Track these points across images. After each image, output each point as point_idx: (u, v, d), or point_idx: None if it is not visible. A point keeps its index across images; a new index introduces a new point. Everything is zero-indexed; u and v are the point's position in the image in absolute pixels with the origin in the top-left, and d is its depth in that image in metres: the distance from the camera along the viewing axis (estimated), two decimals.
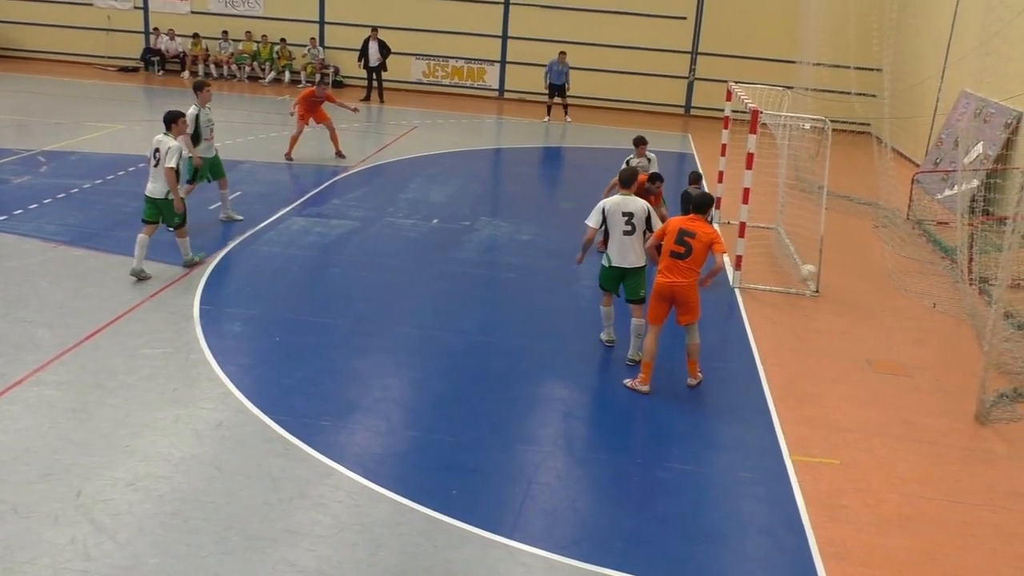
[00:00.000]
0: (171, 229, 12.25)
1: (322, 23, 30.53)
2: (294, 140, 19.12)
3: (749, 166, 12.97)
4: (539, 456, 8.32)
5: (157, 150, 11.87)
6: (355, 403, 9.07)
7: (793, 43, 23.83)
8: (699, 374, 9.97)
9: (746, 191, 13.11)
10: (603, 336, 10.92)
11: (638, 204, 10.17)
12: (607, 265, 10.38)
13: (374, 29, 27.88)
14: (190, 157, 13.74)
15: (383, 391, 9.37)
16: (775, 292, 13.19)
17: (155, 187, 11.95)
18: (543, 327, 11.38)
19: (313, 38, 30.26)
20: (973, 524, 7.78)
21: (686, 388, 9.87)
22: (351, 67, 29.41)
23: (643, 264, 10.32)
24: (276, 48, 30.28)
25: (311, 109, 18.99)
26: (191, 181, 14.14)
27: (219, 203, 14.67)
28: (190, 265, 12.42)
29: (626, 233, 10.10)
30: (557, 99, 26.63)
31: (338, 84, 30.16)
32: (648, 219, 10.13)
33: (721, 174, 17.02)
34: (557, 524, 7.34)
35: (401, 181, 18.33)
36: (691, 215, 9.77)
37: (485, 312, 11.91)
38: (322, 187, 17.08)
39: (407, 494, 7.53)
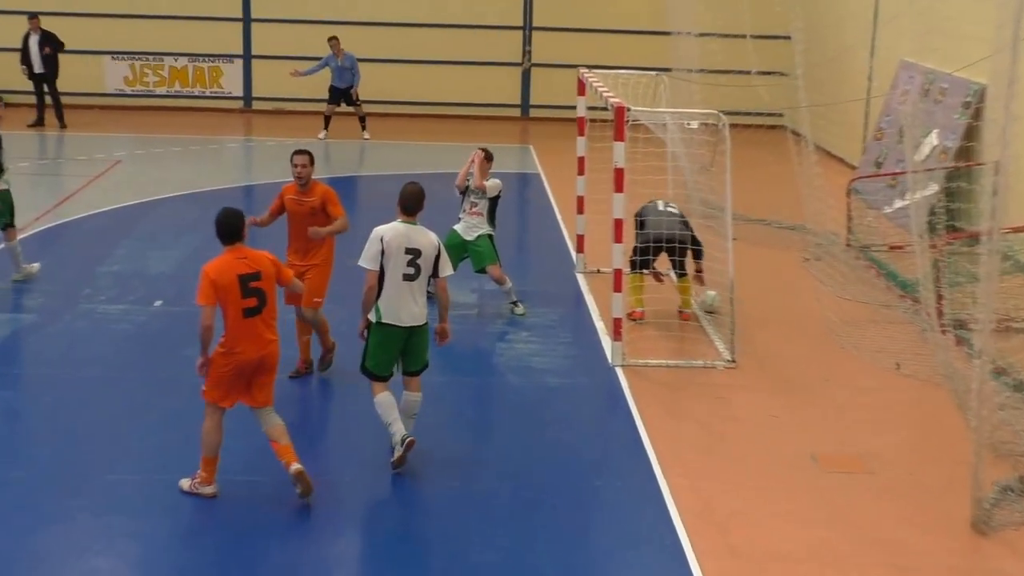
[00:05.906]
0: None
1: None
2: None
3: (619, 188, 13.06)
4: None
5: None
6: None
7: (664, 8, 24.44)
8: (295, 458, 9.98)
9: (618, 224, 13.18)
10: (395, 439, 10.49)
11: (428, 239, 10.36)
12: (377, 322, 10.36)
13: (33, 17, 26.90)
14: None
15: None
16: (673, 367, 13.29)
17: None
18: (333, 442, 11.45)
19: None
20: None
21: (551, 520, 9.85)
22: (15, 78, 28.19)
23: (426, 320, 10.56)
24: None
25: None
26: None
27: None
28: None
29: (407, 278, 10.23)
30: (345, 107, 26.42)
31: None
32: (437, 261, 10.36)
33: (580, 201, 17.10)
34: None
35: (101, 246, 17.88)
36: (234, 246, 9.70)
37: (244, 435, 11.39)
38: None
39: None
